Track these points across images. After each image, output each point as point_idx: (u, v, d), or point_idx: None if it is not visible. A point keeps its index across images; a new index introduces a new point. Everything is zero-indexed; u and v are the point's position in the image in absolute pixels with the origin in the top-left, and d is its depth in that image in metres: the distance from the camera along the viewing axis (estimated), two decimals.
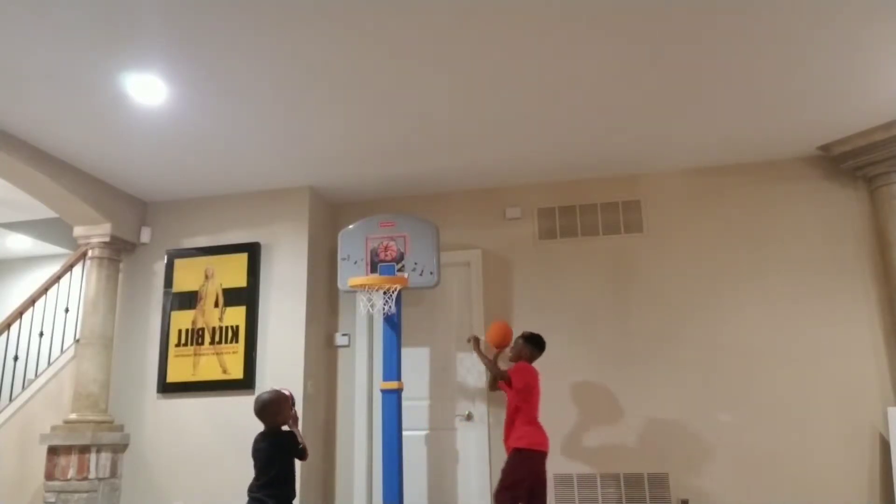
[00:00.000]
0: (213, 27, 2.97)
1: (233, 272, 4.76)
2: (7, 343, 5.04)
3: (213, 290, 4.77)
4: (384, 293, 4.15)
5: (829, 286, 4.34)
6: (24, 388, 4.87)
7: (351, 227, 4.52)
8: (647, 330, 4.53)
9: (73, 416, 4.50)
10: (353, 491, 4.65)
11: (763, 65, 3.38)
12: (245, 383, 4.53)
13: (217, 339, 4.68)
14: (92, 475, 4.39)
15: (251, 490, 3.07)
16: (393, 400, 4.08)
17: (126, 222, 4.92)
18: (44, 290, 5.04)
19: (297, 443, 3.16)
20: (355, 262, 4.40)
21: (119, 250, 4.92)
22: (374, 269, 4.34)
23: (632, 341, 4.53)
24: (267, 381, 4.51)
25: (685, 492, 4.24)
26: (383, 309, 4.14)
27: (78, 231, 4.80)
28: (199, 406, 4.61)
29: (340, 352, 4.98)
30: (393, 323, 4.22)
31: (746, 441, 4.23)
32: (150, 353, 4.80)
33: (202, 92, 3.54)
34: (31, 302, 5.02)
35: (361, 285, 4.16)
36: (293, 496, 3.12)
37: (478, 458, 4.53)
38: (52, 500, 4.33)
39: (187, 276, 4.84)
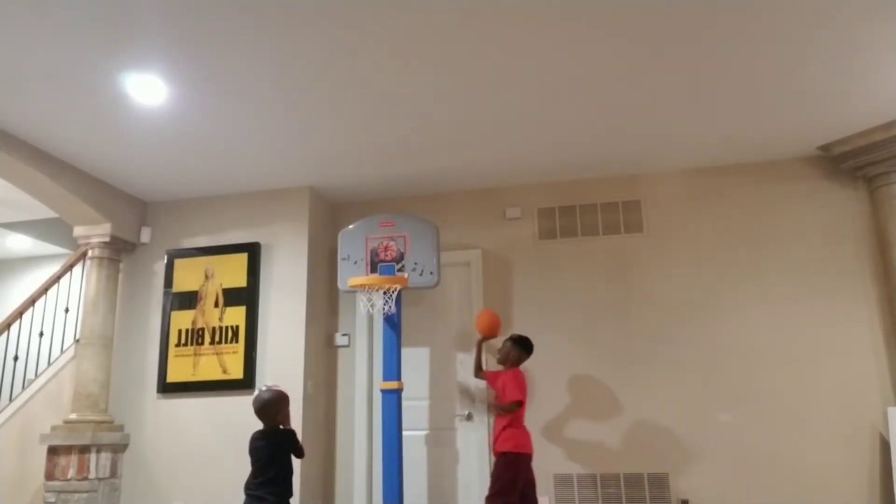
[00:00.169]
0: (213, 27, 2.97)
1: (233, 272, 4.76)
2: (7, 343, 5.04)
3: (213, 290, 4.77)
4: (384, 293, 4.15)
5: (829, 286, 4.34)
6: (24, 388, 4.87)
7: (351, 227, 4.52)
8: (647, 330, 4.53)
9: (73, 416, 4.50)
10: (353, 491, 4.65)
11: (763, 65, 3.38)
12: (245, 383, 4.53)
13: (217, 339, 4.68)
14: (92, 475, 4.39)
15: (249, 488, 3.08)
16: (393, 400, 4.08)
17: (126, 222, 4.92)
18: (44, 290, 5.05)
19: (296, 442, 3.18)
20: (355, 262, 4.40)
21: (119, 250, 4.92)
22: (374, 269, 4.34)
23: (632, 341, 4.53)
24: (267, 382, 4.52)
25: (685, 492, 4.24)
26: (383, 309, 4.14)
27: (78, 231, 4.80)
28: (199, 406, 4.61)
29: (340, 352, 4.98)
30: (393, 323, 4.22)
31: (746, 441, 4.23)
32: (150, 353, 4.80)
33: (202, 92, 3.54)
34: (31, 302, 5.02)
35: (361, 285, 4.16)
36: (291, 494, 3.13)
37: (478, 458, 4.53)
38: (52, 500, 4.33)
39: (187, 276, 4.84)
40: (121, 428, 4.67)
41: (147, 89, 3.48)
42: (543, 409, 4.54)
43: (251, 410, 3.29)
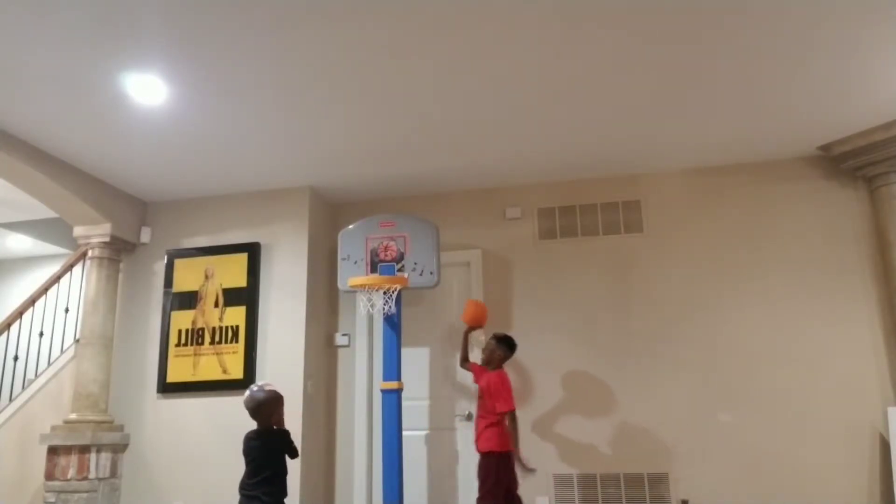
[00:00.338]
0: (213, 27, 2.97)
1: (233, 272, 4.76)
2: (7, 343, 5.04)
3: (213, 290, 4.77)
4: (384, 293, 4.15)
5: (829, 286, 4.34)
6: (24, 388, 4.87)
7: (351, 227, 4.52)
8: (647, 330, 4.53)
9: (73, 416, 4.50)
10: (353, 491, 4.65)
11: (763, 65, 3.38)
12: (245, 383, 4.48)
13: (217, 339, 4.68)
14: (92, 475, 4.39)
15: (244, 488, 3.08)
16: (393, 400, 4.08)
17: (126, 222, 4.92)
18: (44, 290, 5.04)
19: (291, 442, 3.17)
20: (355, 262, 4.40)
21: (119, 250, 4.92)
22: (374, 269, 4.34)
23: (632, 341, 4.53)
24: (259, 381, 4.51)
25: (685, 492, 4.24)
26: (383, 309, 4.14)
27: (78, 231, 4.80)
28: (199, 406, 4.61)
29: (340, 352, 4.98)
30: (393, 323, 4.22)
31: (746, 441, 4.23)
32: (150, 353, 4.80)
33: (202, 92, 3.54)
34: (31, 302, 5.02)
35: (361, 285, 4.16)
36: (286, 494, 3.13)
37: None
38: (52, 500, 4.33)
39: (187, 276, 4.84)
40: (121, 428, 4.66)
41: (147, 89, 3.48)
42: (543, 408, 4.54)
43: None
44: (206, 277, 4.80)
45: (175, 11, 2.85)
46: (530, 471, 3.77)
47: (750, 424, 4.25)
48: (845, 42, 3.18)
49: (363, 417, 4.77)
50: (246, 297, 4.71)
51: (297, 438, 4.31)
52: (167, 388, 4.68)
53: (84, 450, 4.40)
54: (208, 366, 4.65)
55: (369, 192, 5.05)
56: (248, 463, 3.13)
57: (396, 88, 3.55)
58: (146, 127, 3.90)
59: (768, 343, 4.34)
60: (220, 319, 4.71)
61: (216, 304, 4.74)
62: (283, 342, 4.61)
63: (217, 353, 4.66)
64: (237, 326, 4.66)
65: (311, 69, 3.34)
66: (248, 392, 3.28)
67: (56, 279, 5.07)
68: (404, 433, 4.17)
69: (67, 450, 4.39)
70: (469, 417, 4.61)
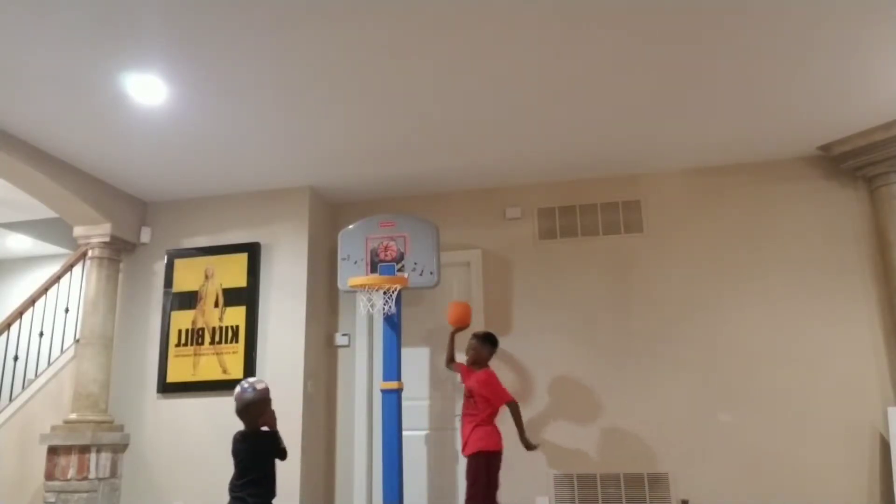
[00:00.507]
0: (213, 27, 2.97)
1: (233, 272, 4.76)
2: (7, 343, 5.04)
3: (213, 290, 4.77)
4: (384, 293, 4.15)
5: (829, 286, 4.34)
6: (24, 388, 4.87)
7: (351, 227, 4.52)
8: (647, 330, 4.53)
9: (73, 416, 4.50)
10: (353, 491, 4.65)
11: (763, 65, 3.38)
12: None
13: (217, 339, 4.68)
14: (92, 475, 4.39)
15: (232, 489, 3.06)
16: (393, 400, 4.08)
17: (126, 222, 4.92)
18: (44, 290, 5.04)
19: (279, 443, 3.14)
20: (355, 262, 4.40)
21: (119, 250, 4.92)
22: (374, 269, 4.34)
23: (632, 341, 4.53)
24: (267, 382, 4.50)
25: (685, 492, 4.24)
26: (383, 309, 4.14)
27: (78, 231, 4.80)
28: (199, 406, 4.61)
29: (340, 352, 4.98)
30: (393, 323, 4.22)
31: (746, 441, 4.23)
32: (150, 353, 4.80)
33: (202, 92, 3.54)
34: (31, 302, 5.02)
35: (361, 285, 4.16)
36: (273, 495, 3.10)
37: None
38: (52, 500, 4.33)
39: (187, 276, 4.84)
40: (121, 428, 4.66)
41: (147, 89, 3.48)
42: (543, 408, 4.54)
43: None
44: (206, 277, 4.80)
45: (175, 11, 2.85)
46: (535, 446, 3.91)
47: (750, 424, 4.25)
48: (845, 42, 3.18)
49: (363, 417, 4.77)
50: (246, 297, 4.71)
51: (297, 438, 4.35)
52: (167, 388, 4.68)
53: (84, 450, 4.40)
54: (208, 366, 4.65)
55: (369, 192, 5.05)
56: (235, 464, 3.11)
57: (396, 88, 3.55)
58: (146, 127, 3.90)
59: (768, 343, 4.34)
60: (220, 319, 4.71)
61: (216, 304, 4.74)
62: (283, 342, 4.61)
63: (217, 353, 4.66)
64: (237, 326, 4.66)
65: (311, 69, 3.34)
66: (238, 388, 3.25)
67: (56, 279, 5.07)
68: (404, 433, 4.17)
69: (67, 450, 4.39)
70: None
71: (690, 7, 2.91)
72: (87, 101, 3.60)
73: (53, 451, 4.41)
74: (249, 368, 4.56)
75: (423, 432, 4.69)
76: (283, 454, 3.17)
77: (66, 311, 5.10)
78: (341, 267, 4.43)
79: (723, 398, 4.32)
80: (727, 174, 4.66)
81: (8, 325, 4.98)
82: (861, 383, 4.16)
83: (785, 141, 4.33)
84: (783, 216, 4.52)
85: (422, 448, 4.67)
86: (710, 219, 4.63)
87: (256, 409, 3.14)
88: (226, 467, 3.10)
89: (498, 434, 3.86)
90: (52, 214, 5.24)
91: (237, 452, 3.10)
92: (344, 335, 4.98)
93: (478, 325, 4.71)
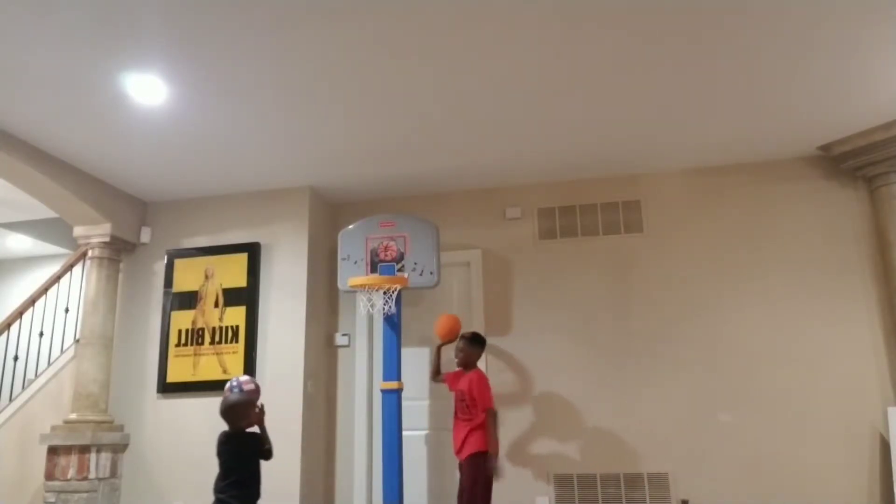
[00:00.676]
0: (213, 27, 2.97)
1: (233, 272, 4.76)
2: (7, 343, 5.04)
3: (213, 290, 4.77)
4: (384, 293, 4.14)
5: (829, 286, 4.34)
6: (24, 388, 4.87)
7: (351, 227, 4.52)
8: (647, 330, 4.53)
9: (73, 416, 4.50)
10: (353, 491, 4.65)
11: (763, 65, 3.38)
12: None
13: (217, 339, 4.68)
14: (92, 475, 4.39)
15: (216, 489, 3.06)
16: (393, 400, 4.08)
17: (126, 222, 4.92)
18: (44, 290, 5.04)
19: (263, 444, 3.13)
20: (355, 262, 4.40)
21: (119, 250, 4.92)
22: (374, 269, 4.34)
23: (632, 341, 4.53)
24: (267, 381, 4.52)
25: (685, 492, 4.24)
26: (383, 309, 4.14)
27: (78, 231, 4.80)
28: (199, 406, 4.61)
29: (340, 352, 4.98)
30: (393, 323, 4.22)
31: (746, 441, 4.23)
32: (150, 353, 4.80)
33: (202, 92, 3.54)
34: (31, 302, 5.02)
35: (361, 285, 4.16)
36: (258, 496, 3.10)
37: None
38: (52, 500, 4.33)
39: (187, 276, 4.84)
40: (121, 428, 4.66)
41: (147, 89, 3.48)
42: (543, 408, 4.54)
43: None
44: (206, 277, 4.80)
45: (175, 11, 2.85)
46: (496, 476, 3.76)
47: (750, 424, 4.25)
48: (845, 42, 3.18)
49: (363, 417, 4.76)
50: (246, 297, 4.71)
51: (297, 438, 4.35)
52: (167, 388, 4.68)
53: (84, 450, 4.40)
54: (208, 366, 4.65)
55: (369, 192, 5.05)
56: (219, 464, 3.11)
57: (396, 88, 3.55)
58: (146, 127, 3.90)
59: (768, 343, 4.34)
60: (220, 319, 4.71)
61: (216, 304, 4.74)
62: (283, 342, 4.61)
63: (217, 353, 4.66)
64: (237, 326, 4.66)
65: (311, 69, 3.34)
66: (227, 385, 3.25)
67: (56, 279, 5.07)
68: (404, 433, 4.17)
69: (67, 450, 4.39)
70: None
71: (690, 7, 2.91)
72: (87, 101, 3.60)
73: (53, 451, 4.41)
74: (249, 368, 4.55)
75: (423, 432, 4.69)
76: (267, 454, 3.15)
77: (66, 311, 5.10)
78: (341, 267, 4.43)
79: (723, 398, 4.32)
80: (727, 174, 4.66)
81: (8, 325, 4.98)
82: (861, 383, 4.16)
83: (785, 141, 4.33)
84: (783, 216, 4.52)
85: (422, 448, 4.66)
86: (710, 219, 4.63)
87: (239, 412, 3.13)
88: None
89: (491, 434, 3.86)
90: (52, 214, 5.24)
91: (221, 453, 3.09)
92: (344, 335, 4.98)
93: (478, 325, 4.72)
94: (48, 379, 4.76)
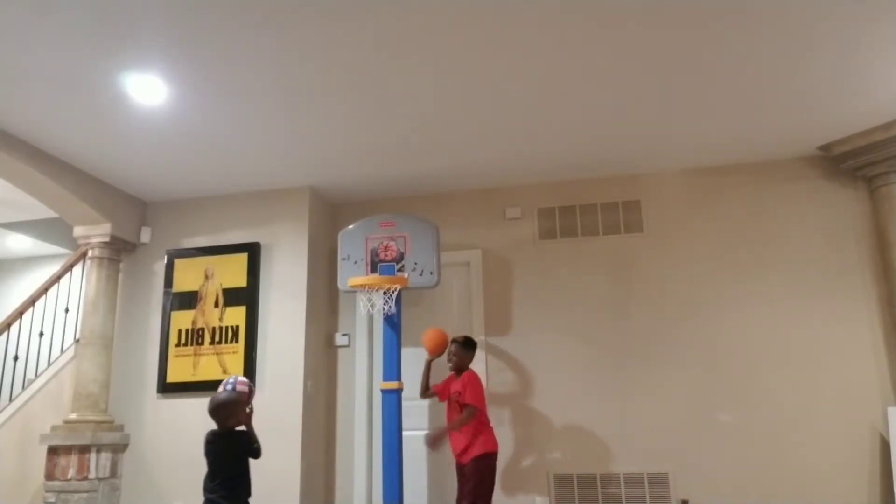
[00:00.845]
0: (213, 27, 2.97)
1: (233, 272, 4.76)
2: (7, 343, 5.04)
3: (213, 290, 4.77)
4: (384, 293, 4.14)
5: (829, 286, 4.34)
6: (24, 388, 4.87)
7: (351, 227, 4.52)
8: (647, 330, 4.53)
9: (73, 416, 4.50)
10: (353, 491, 4.65)
11: (763, 65, 3.38)
12: None
13: (217, 339, 4.68)
14: (92, 475, 4.39)
15: (205, 489, 3.04)
16: (393, 400, 4.08)
17: (126, 222, 4.92)
18: (44, 290, 5.04)
19: (252, 443, 3.11)
20: (355, 262, 4.40)
21: (119, 250, 4.92)
22: (374, 269, 4.34)
23: (632, 341, 4.53)
24: (267, 381, 4.52)
25: (685, 492, 4.24)
26: (383, 309, 4.14)
27: (78, 231, 4.80)
28: (200, 406, 4.55)
29: (340, 352, 4.98)
30: (393, 323, 4.22)
31: (746, 441, 4.23)
32: (150, 353, 4.80)
33: (202, 92, 3.54)
34: (31, 302, 5.02)
35: (361, 285, 4.16)
36: (248, 495, 3.09)
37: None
38: (52, 500, 4.33)
39: (187, 276, 4.84)
40: (121, 428, 4.66)
41: (147, 89, 3.48)
42: (543, 408, 4.54)
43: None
44: (206, 277, 4.80)
45: (175, 11, 2.85)
46: (433, 448, 3.86)
47: (750, 424, 4.25)
48: (845, 42, 3.18)
49: (363, 417, 4.76)
50: (246, 297, 4.70)
51: (297, 438, 4.35)
52: (167, 388, 4.68)
53: (84, 450, 4.39)
54: (208, 366, 4.65)
55: (369, 192, 5.05)
56: (207, 464, 3.09)
57: (396, 88, 3.55)
58: (146, 127, 3.90)
59: (768, 343, 4.34)
60: (220, 319, 4.71)
61: (216, 304, 4.74)
62: (283, 342, 4.61)
63: (217, 353, 4.66)
64: (237, 326, 4.66)
65: (311, 69, 3.34)
66: (221, 384, 3.25)
67: (56, 279, 5.07)
68: (404, 433, 4.17)
69: (67, 450, 4.39)
70: None
71: (690, 7, 2.90)
72: (87, 101, 3.60)
73: (53, 451, 4.41)
74: (249, 368, 4.55)
75: (424, 432, 4.67)
76: (256, 453, 3.13)
77: (66, 311, 5.10)
78: (341, 267, 4.43)
79: (723, 398, 4.32)
80: (727, 174, 4.66)
81: (8, 325, 4.98)
82: (861, 383, 4.16)
83: (785, 141, 4.33)
84: (783, 216, 4.52)
85: (422, 448, 4.65)
86: (710, 219, 4.63)
87: (228, 411, 3.11)
88: None
89: (494, 436, 3.87)
90: (52, 214, 5.24)
91: (209, 453, 3.08)
92: (344, 335, 4.98)
93: (478, 325, 4.73)
94: (48, 379, 4.76)
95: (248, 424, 3.17)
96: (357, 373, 4.86)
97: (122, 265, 4.98)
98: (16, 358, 5.01)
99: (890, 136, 4.05)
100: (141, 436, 4.65)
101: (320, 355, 4.84)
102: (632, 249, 4.69)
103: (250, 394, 3.28)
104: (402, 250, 4.36)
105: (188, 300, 4.79)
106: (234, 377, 3.33)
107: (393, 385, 4.09)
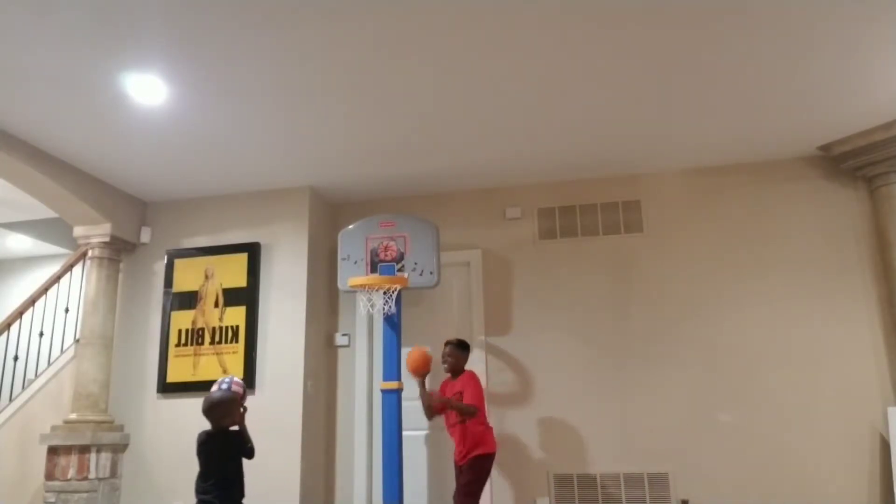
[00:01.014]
0: (213, 27, 2.97)
1: (233, 272, 4.76)
2: (7, 343, 5.04)
3: (213, 290, 4.77)
4: (384, 293, 4.14)
5: (829, 286, 4.34)
6: (24, 388, 4.87)
7: (351, 227, 4.52)
8: (647, 330, 4.53)
9: (73, 416, 4.50)
10: (353, 491, 4.65)
11: (763, 65, 3.38)
12: (245, 383, 4.50)
13: (217, 339, 4.68)
14: (92, 475, 4.39)
15: (199, 491, 3.02)
16: (393, 400, 4.08)
17: (126, 222, 4.92)
18: (44, 290, 5.04)
19: (246, 443, 3.10)
20: (355, 262, 4.40)
21: (119, 250, 4.92)
22: (374, 269, 4.34)
23: (632, 341, 4.53)
24: (267, 381, 4.52)
25: (685, 492, 4.24)
26: (383, 309, 4.14)
27: (78, 231, 4.80)
28: (199, 406, 4.59)
29: (340, 352, 4.98)
30: (393, 323, 4.22)
31: (746, 441, 4.23)
32: (150, 353, 4.80)
33: (202, 92, 3.54)
34: (31, 302, 5.02)
35: (361, 285, 4.16)
36: (241, 496, 3.07)
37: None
38: (52, 500, 4.33)
39: (187, 276, 4.84)
40: (121, 428, 4.66)
41: (147, 89, 3.48)
42: (543, 408, 4.54)
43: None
44: (206, 277, 4.80)
45: (175, 11, 2.85)
46: (428, 402, 3.94)
47: (750, 424, 4.25)
48: (845, 42, 3.18)
49: (363, 417, 4.76)
50: (246, 297, 4.70)
51: (297, 438, 4.34)
52: (167, 388, 4.68)
53: (84, 450, 4.39)
54: (208, 366, 4.64)
55: (369, 192, 5.05)
56: (200, 464, 3.08)
57: (396, 88, 3.55)
58: (146, 127, 3.90)
59: (768, 343, 4.34)
60: (220, 319, 4.71)
61: (216, 304, 4.74)
62: (283, 342, 4.61)
63: (217, 353, 4.66)
64: (237, 326, 4.66)
65: (311, 69, 3.34)
66: (216, 383, 3.24)
67: (56, 279, 5.06)
68: (404, 433, 4.17)
69: (67, 450, 4.39)
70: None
71: (690, 7, 2.90)
72: (87, 101, 3.60)
73: (53, 451, 4.41)
74: (249, 368, 4.55)
75: (423, 432, 4.68)
76: (250, 453, 3.12)
77: (66, 311, 5.10)
78: (341, 267, 4.43)
79: (723, 398, 4.32)
80: (727, 174, 4.66)
81: (8, 325, 4.98)
82: (861, 383, 4.16)
83: (785, 141, 4.33)
84: (783, 216, 4.52)
85: (422, 448, 4.66)
86: (710, 219, 4.63)
87: (223, 410, 3.10)
88: None
89: (492, 434, 3.88)
90: (52, 214, 5.24)
91: (201, 453, 3.06)
92: (344, 335, 4.98)
93: (478, 325, 4.73)
94: (48, 379, 4.76)
95: (242, 424, 3.16)
96: (357, 373, 4.86)
97: (122, 265, 4.98)
98: (16, 358, 5.01)
99: (890, 136, 4.05)
100: (141, 436, 4.65)
101: (320, 355, 4.84)
102: (632, 249, 4.69)
103: (243, 394, 3.27)
104: (402, 250, 4.36)
105: (188, 300, 4.79)
106: (229, 377, 3.33)
107: (393, 385, 4.09)
